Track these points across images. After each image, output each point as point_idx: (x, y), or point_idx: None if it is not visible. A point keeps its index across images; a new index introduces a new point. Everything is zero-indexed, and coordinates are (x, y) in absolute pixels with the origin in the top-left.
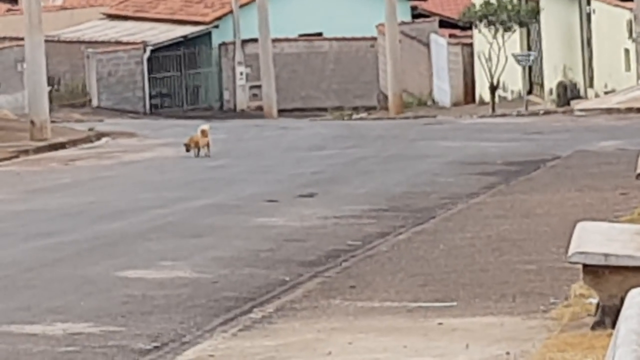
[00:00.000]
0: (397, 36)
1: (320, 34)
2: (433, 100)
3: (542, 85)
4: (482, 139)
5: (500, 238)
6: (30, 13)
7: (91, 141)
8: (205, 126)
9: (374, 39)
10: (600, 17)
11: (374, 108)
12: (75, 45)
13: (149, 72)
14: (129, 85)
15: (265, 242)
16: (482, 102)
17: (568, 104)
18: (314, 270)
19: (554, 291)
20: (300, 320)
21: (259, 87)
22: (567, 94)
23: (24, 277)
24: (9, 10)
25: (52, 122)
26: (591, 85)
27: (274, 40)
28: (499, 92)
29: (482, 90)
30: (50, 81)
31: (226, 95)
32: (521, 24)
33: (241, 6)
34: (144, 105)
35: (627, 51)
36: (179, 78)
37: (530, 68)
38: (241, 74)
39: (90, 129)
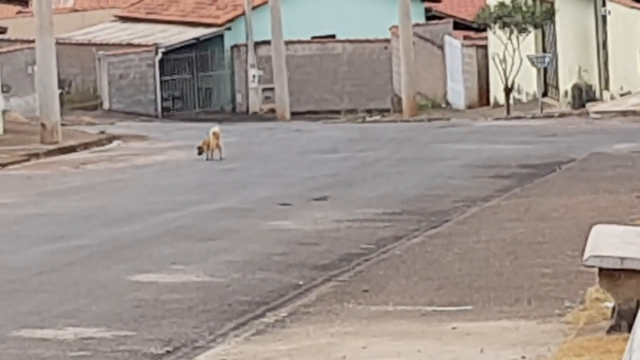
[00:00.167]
0: (411, 38)
1: (333, 36)
2: (447, 103)
3: (557, 88)
4: (497, 142)
5: (515, 241)
6: (41, 15)
7: (102, 144)
8: (216, 128)
9: (388, 40)
10: (616, 19)
11: (387, 110)
12: (87, 47)
13: (161, 75)
14: (140, 87)
15: (278, 245)
16: (497, 105)
17: (583, 106)
18: (328, 274)
19: (569, 295)
20: (314, 325)
21: (271, 89)
22: (583, 96)
23: (35, 281)
24: (19, 12)
25: (63, 125)
26: (606, 88)
27: (287, 43)
28: (514, 94)
29: (496, 92)
30: (61, 84)
31: (238, 97)
32: (536, 26)
33: (254, 8)
34: (156, 108)
35: None
36: (191, 80)
37: (545, 70)
38: (254, 76)
39: (102, 132)
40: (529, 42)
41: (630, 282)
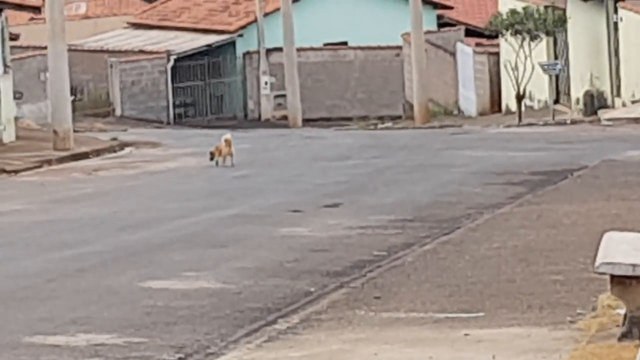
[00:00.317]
0: (422, 45)
1: (345, 43)
2: (459, 110)
3: (568, 95)
4: (509, 149)
5: (526, 248)
6: (54, 22)
7: (114, 151)
8: (228, 135)
9: (400, 47)
10: (628, 26)
11: (399, 117)
12: (99, 54)
13: (173, 82)
14: (152, 94)
15: (290, 252)
16: (509, 112)
17: (595, 113)
18: (339, 280)
19: (581, 302)
20: (326, 331)
21: (283, 96)
22: (594, 103)
23: (47, 288)
24: (32, 19)
25: (75, 131)
26: (618, 94)
27: (299, 49)
28: (526, 101)
29: (508, 99)
30: (73, 90)
31: (250, 104)
32: (548, 33)
33: (265, 15)
34: (168, 115)
35: None
36: (203, 87)
37: (557, 77)
38: (265, 83)
39: (114, 139)
40: (541, 49)
41: None
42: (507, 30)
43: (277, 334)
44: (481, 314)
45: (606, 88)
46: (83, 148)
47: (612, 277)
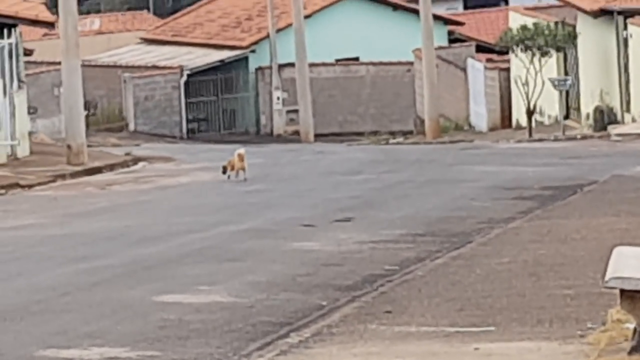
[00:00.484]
0: (434, 61)
1: (357, 59)
2: (470, 125)
3: (579, 110)
4: (519, 164)
5: (537, 263)
6: (67, 37)
7: (128, 166)
8: (241, 150)
9: (411, 63)
10: (638, 42)
11: (410, 132)
12: (112, 69)
13: (186, 97)
14: (165, 109)
15: (302, 266)
16: (519, 127)
17: (605, 128)
18: (351, 294)
19: (591, 316)
20: (337, 345)
21: (295, 111)
22: (604, 118)
23: (60, 302)
24: (45, 34)
25: (89, 146)
26: (628, 110)
27: (311, 65)
28: (536, 116)
29: (518, 114)
30: (87, 105)
31: (263, 119)
32: (558, 49)
33: (278, 31)
34: (181, 130)
35: None
36: (216, 102)
37: (567, 93)
38: (278, 98)
39: (127, 154)
40: (551, 65)
41: None
42: (517, 46)
43: (289, 347)
44: (492, 328)
45: (616, 104)
46: (96, 163)
47: (622, 291)
